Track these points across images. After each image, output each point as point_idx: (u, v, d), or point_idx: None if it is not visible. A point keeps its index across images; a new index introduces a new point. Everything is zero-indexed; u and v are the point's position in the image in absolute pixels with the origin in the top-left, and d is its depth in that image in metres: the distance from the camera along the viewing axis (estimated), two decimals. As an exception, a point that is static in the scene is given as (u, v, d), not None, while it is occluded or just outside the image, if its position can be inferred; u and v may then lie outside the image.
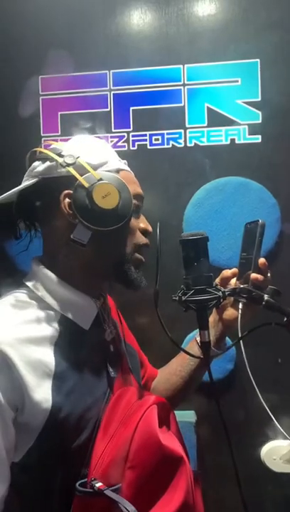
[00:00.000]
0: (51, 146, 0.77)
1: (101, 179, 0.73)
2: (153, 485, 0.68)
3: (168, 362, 1.02)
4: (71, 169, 0.73)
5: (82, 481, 0.66)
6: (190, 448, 1.26)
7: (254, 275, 0.81)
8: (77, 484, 0.65)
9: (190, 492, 0.72)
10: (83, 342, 0.77)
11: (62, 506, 0.67)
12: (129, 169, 0.82)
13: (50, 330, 0.73)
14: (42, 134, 1.38)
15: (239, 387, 1.30)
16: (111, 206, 0.72)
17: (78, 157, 0.73)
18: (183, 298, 0.74)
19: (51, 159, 0.74)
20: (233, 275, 0.88)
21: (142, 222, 0.82)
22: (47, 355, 0.71)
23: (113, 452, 0.67)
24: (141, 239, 0.81)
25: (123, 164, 0.81)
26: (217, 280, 0.90)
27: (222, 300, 0.76)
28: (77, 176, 0.72)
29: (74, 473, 0.68)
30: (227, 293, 0.78)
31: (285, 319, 0.77)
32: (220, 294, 0.75)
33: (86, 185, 0.72)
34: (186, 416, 1.30)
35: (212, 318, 0.92)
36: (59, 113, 1.38)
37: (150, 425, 0.69)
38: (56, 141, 0.84)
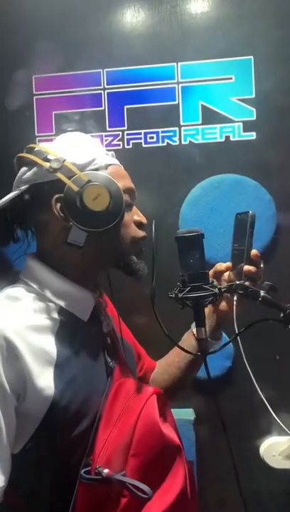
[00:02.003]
0: (35, 150, 0.76)
1: (89, 181, 0.73)
2: (155, 472, 0.70)
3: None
4: (59, 174, 0.72)
5: (87, 468, 0.67)
6: (190, 446, 1.27)
7: (247, 267, 0.81)
8: (82, 472, 0.67)
9: (187, 480, 0.74)
10: (82, 333, 0.78)
11: (62, 496, 0.68)
12: (117, 162, 0.81)
13: (50, 320, 0.74)
14: (36, 134, 1.38)
15: (237, 384, 1.30)
16: (103, 207, 0.73)
17: (64, 160, 0.73)
18: (180, 295, 0.74)
19: (38, 165, 0.74)
20: (227, 269, 0.89)
21: (136, 215, 0.83)
22: (49, 344, 0.72)
23: (116, 441, 0.69)
24: (137, 232, 0.81)
25: (110, 158, 0.80)
26: (211, 272, 0.90)
27: (218, 297, 0.76)
28: (66, 180, 0.72)
29: (75, 463, 0.69)
30: (223, 289, 0.78)
31: (281, 315, 0.77)
32: (216, 290, 0.75)
33: (75, 189, 0.72)
34: (185, 414, 1.30)
35: (208, 309, 0.93)
36: (53, 112, 1.37)
37: (151, 414, 0.71)
38: (51, 140, 0.83)
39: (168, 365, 0.99)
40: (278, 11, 1.30)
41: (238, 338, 0.78)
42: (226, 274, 0.88)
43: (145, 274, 0.81)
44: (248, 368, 0.76)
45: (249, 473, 1.25)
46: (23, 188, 0.75)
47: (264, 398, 0.77)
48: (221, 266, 0.89)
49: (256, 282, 0.82)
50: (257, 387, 0.75)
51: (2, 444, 0.67)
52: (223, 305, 0.90)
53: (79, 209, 0.72)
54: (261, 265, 0.85)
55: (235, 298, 0.82)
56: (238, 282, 0.81)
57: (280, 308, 0.77)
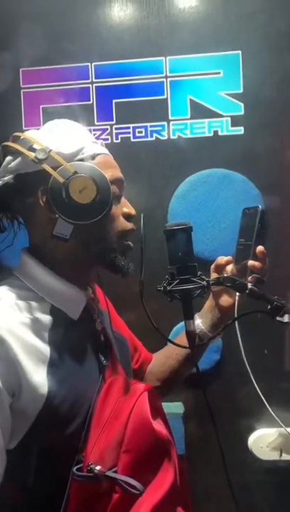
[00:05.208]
0: (21, 138, 0.74)
1: (76, 172, 0.72)
2: (146, 468, 0.70)
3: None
4: (44, 165, 0.71)
5: (79, 466, 0.67)
6: (179, 439, 1.27)
7: (251, 262, 0.82)
8: (74, 469, 0.67)
9: (177, 474, 0.75)
10: (74, 331, 0.77)
11: (55, 492, 0.68)
12: (106, 151, 0.80)
13: (42, 318, 0.74)
14: (24, 128, 1.37)
15: (225, 378, 1.32)
16: (89, 200, 0.72)
17: (50, 150, 0.72)
18: (168, 288, 0.75)
19: (23, 155, 0.72)
20: (227, 263, 0.89)
21: (125, 207, 0.82)
22: (42, 342, 0.71)
23: (108, 437, 0.69)
24: (125, 225, 0.81)
25: (99, 147, 0.79)
26: (212, 267, 0.91)
27: (206, 289, 0.76)
28: (51, 171, 0.71)
29: (68, 460, 0.69)
30: (211, 282, 0.78)
31: (269, 307, 0.78)
32: (204, 283, 0.75)
33: (61, 180, 0.71)
34: (174, 407, 1.31)
35: (209, 303, 0.93)
36: (41, 106, 1.36)
37: (143, 411, 0.72)
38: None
39: (167, 357, 0.99)
40: (266, 6, 1.30)
41: (237, 331, 0.78)
42: (229, 269, 0.88)
43: (130, 272, 0.80)
44: (245, 359, 0.77)
45: (237, 465, 1.26)
46: (7, 178, 0.74)
47: (258, 388, 0.77)
48: (222, 260, 0.89)
49: (262, 278, 0.82)
50: (252, 377, 0.76)
51: None
52: (225, 299, 0.90)
53: (64, 201, 0.71)
54: (267, 261, 0.84)
55: (237, 293, 0.82)
56: (226, 275, 0.82)
57: (267, 301, 0.78)
